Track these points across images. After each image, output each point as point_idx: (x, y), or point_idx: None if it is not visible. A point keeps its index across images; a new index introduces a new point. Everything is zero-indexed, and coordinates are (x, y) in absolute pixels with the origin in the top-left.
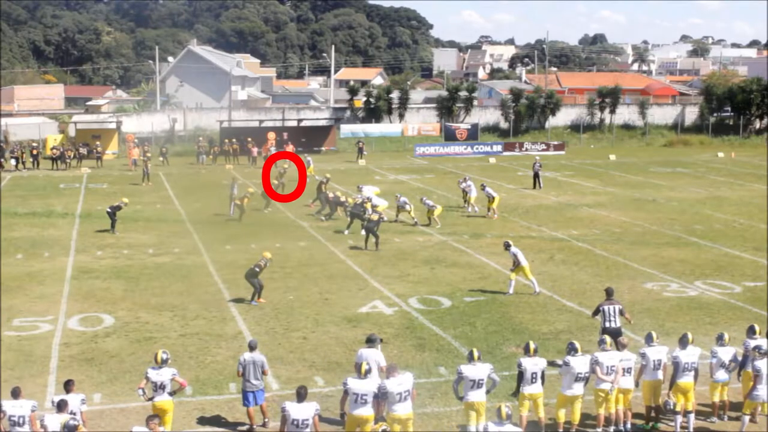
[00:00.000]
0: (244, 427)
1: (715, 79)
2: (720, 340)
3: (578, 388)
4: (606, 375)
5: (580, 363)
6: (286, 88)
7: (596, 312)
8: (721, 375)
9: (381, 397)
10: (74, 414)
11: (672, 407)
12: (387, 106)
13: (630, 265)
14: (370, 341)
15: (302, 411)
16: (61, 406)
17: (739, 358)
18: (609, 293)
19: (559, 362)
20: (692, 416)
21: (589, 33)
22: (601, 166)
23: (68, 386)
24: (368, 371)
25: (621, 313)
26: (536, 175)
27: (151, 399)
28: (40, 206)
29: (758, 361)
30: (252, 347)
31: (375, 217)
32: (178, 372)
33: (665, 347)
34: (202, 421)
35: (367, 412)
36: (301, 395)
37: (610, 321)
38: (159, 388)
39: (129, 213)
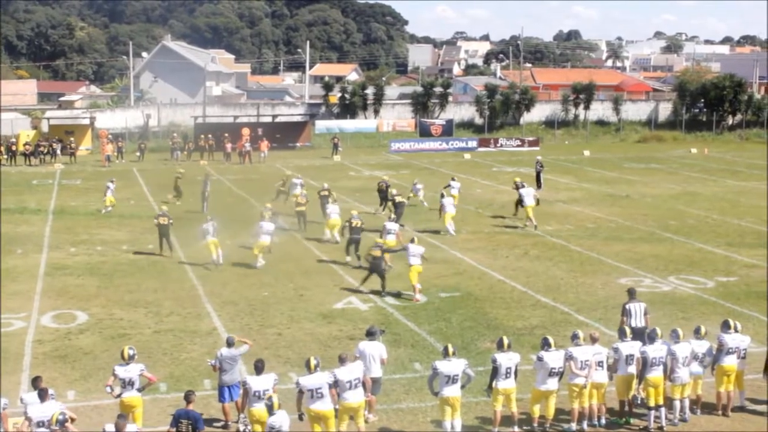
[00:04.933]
0: (220, 424)
1: (688, 76)
2: (696, 333)
3: (552, 383)
4: (580, 370)
5: (554, 358)
6: (260, 84)
7: (623, 312)
8: (695, 368)
9: (331, 386)
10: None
11: (639, 402)
12: (362, 101)
13: (604, 260)
14: (370, 334)
15: (262, 382)
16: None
17: (709, 353)
18: (632, 293)
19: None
20: (663, 410)
21: (564, 29)
22: (575, 162)
23: (36, 383)
24: (317, 365)
25: (645, 312)
26: (538, 175)
27: (119, 396)
28: (13, 202)
29: (675, 345)
30: (230, 343)
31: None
32: (146, 367)
33: (638, 342)
34: None
35: (325, 406)
36: (258, 368)
37: (636, 319)
38: (127, 384)
39: (100, 210)
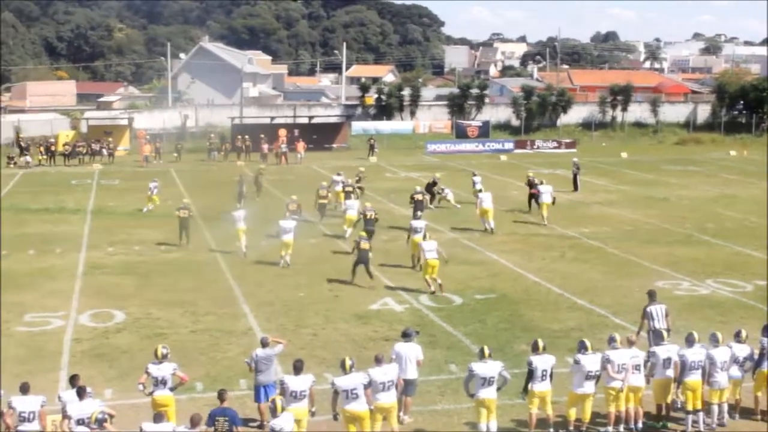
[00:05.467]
0: (255, 424)
1: (727, 77)
2: (737, 337)
3: (589, 387)
4: (617, 373)
5: (590, 361)
6: (297, 85)
7: (644, 315)
8: (734, 372)
9: (366, 386)
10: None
11: (680, 406)
12: (398, 103)
13: (641, 263)
14: (406, 335)
15: (300, 383)
16: (80, 394)
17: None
18: (652, 295)
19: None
20: (702, 414)
21: (601, 30)
22: (612, 164)
23: (74, 381)
24: (352, 366)
25: (666, 314)
26: (575, 177)
27: (151, 393)
28: (52, 202)
29: (713, 349)
30: (264, 344)
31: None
32: (178, 366)
33: (675, 346)
34: None
35: (360, 407)
36: (297, 368)
37: (658, 321)
38: (160, 382)
39: (140, 209)
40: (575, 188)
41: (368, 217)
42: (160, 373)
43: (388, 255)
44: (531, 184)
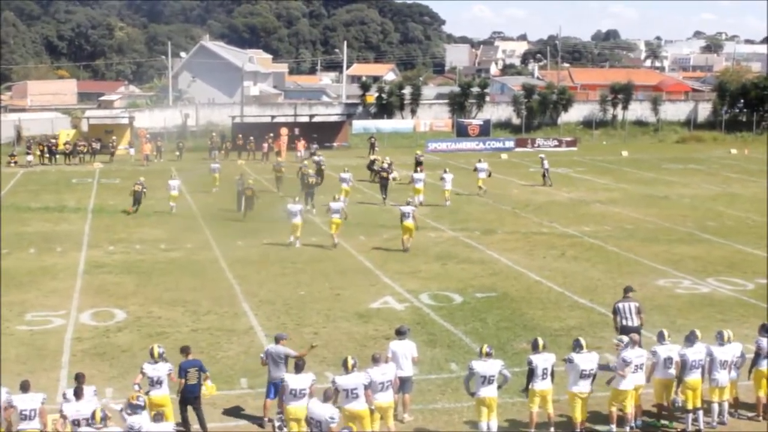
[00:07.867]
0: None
1: (728, 76)
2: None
3: (584, 385)
4: (633, 373)
5: (585, 360)
6: (298, 84)
7: (613, 311)
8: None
9: (366, 387)
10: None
11: (680, 405)
12: (399, 101)
13: (642, 261)
14: (401, 333)
15: (300, 381)
16: (77, 394)
17: (745, 355)
18: (626, 291)
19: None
20: (701, 413)
21: (602, 29)
22: (613, 163)
23: (79, 379)
24: (354, 365)
25: (638, 311)
26: (545, 171)
27: (147, 393)
28: (53, 201)
29: (717, 348)
30: (277, 340)
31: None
32: (174, 366)
33: (677, 345)
34: (212, 415)
35: (360, 406)
36: (299, 367)
37: (626, 319)
38: (156, 382)
39: (141, 208)
40: (545, 183)
41: (309, 182)
42: (156, 373)
43: (388, 253)
44: (418, 162)
